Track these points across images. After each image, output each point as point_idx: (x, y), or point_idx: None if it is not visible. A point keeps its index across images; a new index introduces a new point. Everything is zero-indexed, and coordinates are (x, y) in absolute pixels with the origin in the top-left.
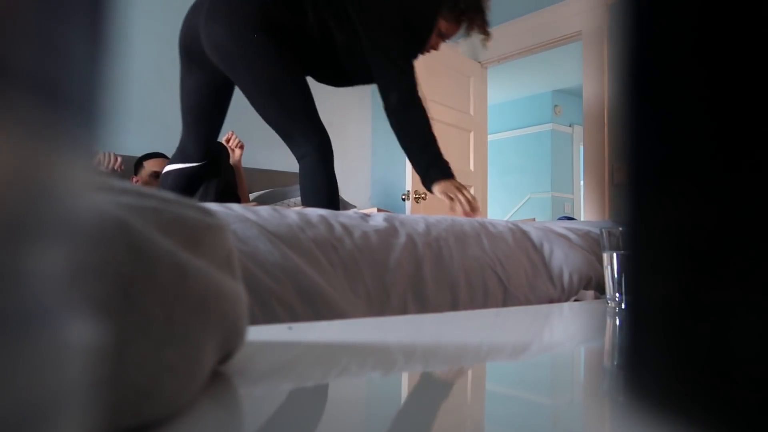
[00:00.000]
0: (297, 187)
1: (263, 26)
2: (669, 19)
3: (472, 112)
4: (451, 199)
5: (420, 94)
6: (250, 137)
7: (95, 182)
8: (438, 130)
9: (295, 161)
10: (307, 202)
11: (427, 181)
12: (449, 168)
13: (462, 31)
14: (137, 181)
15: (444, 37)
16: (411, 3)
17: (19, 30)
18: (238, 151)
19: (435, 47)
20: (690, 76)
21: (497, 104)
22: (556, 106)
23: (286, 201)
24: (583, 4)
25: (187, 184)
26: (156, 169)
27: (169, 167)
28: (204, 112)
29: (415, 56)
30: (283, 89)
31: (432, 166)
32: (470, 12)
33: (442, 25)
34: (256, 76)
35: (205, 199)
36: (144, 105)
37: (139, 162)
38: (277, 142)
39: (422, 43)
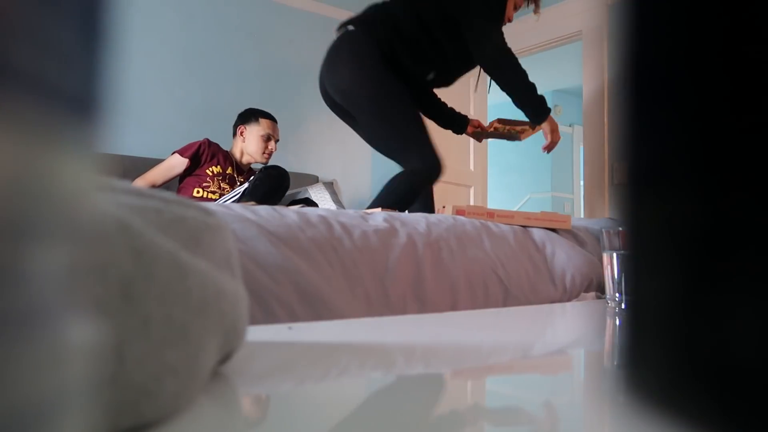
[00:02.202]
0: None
1: (382, 61)
2: (669, 19)
3: (472, 112)
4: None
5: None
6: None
7: (95, 182)
8: (437, 129)
9: (312, 164)
10: (384, 200)
11: (540, 118)
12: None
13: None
14: (242, 132)
15: (516, 7)
16: None
17: (19, 30)
18: None
19: (510, 18)
20: (690, 76)
21: (497, 104)
22: (556, 106)
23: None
24: (583, 4)
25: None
26: (269, 131)
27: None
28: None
29: (500, 27)
30: (403, 117)
31: (541, 104)
32: None
33: None
34: (379, 107)
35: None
36: (144, 105)
37: (254, 114)
38: (292, 145)
39: (502, 16)
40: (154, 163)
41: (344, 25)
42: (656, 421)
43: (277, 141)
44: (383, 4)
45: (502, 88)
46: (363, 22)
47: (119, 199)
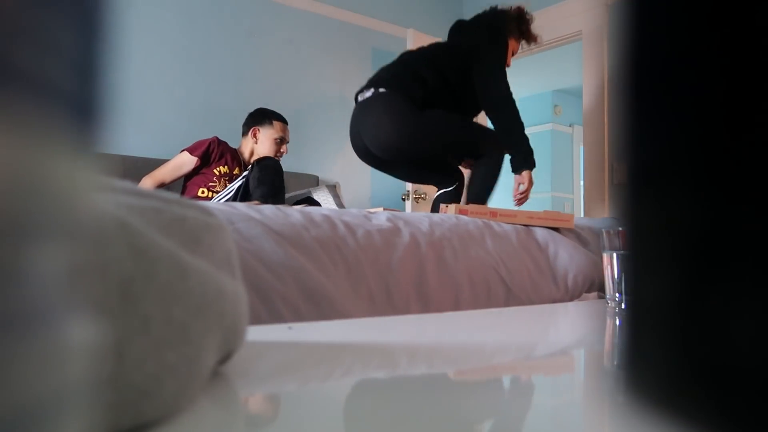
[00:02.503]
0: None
1: (417, 106)
2: (668, 19)
3: None
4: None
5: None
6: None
7: (95, 182)
8: None
9: (312, 164)
10: (476, 185)
11: (523, 168)
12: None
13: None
14: (255, 133)
15: (513, 53)
16: (497, 44)
17: (19, 30)
18: None
19: (509, 64)
20: (690, 76)
21: None
22: (556, 106)
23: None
24: (583, 4)
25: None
26: (282, 134)
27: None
28: (430, 175)
29: (505, 74)
30: (455, 118)
31: (529, 156)
32: (526, 31)
33: (512, 45)
34: (437, 127)
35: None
36: (144, 105)
37: (267, 116)
38: (292, 146)
39: (505, 63)
40: (153, 162)
41: (370, 87)
42: (656, 421)
43: (287, 143)
44: (404, 62)
45: (499, 132)
46: (392, 82)
47: (119, 199)
